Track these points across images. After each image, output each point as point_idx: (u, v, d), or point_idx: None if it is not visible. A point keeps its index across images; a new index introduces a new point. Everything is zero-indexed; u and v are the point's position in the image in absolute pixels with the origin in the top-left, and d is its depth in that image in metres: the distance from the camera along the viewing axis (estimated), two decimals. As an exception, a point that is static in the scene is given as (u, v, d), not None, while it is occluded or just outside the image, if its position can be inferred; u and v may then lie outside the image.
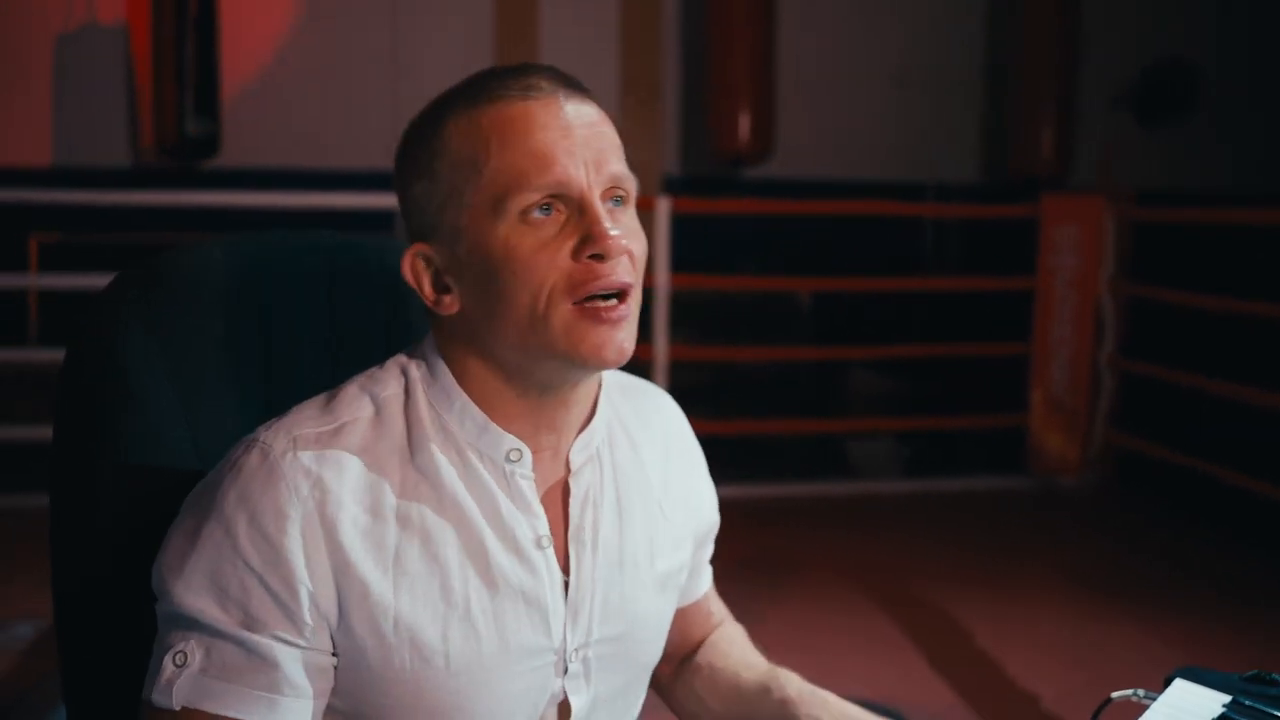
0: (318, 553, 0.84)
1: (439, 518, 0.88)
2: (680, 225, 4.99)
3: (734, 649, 1.11)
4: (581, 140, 0.86)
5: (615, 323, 0.86)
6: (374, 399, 0.90)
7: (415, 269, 0.90)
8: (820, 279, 5.01)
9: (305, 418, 0.88)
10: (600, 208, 0.86)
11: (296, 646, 0.83)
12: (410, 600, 0.86)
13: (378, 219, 4.80)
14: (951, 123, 5.89)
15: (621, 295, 0.87)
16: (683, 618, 1.10)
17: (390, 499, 0.87)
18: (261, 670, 0.82)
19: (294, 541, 0.83)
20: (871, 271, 5.02)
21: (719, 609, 1.15)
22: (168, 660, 0.82)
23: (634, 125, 5.62)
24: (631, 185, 0.89)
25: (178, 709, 0.81)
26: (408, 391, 0.91)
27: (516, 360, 0.88)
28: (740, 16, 5.19)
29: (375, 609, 0.85)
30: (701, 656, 1.11)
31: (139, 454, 0.95)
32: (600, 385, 0.97)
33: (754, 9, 5.20)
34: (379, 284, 1.08)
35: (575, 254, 0.85)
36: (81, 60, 5.22)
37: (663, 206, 4.17)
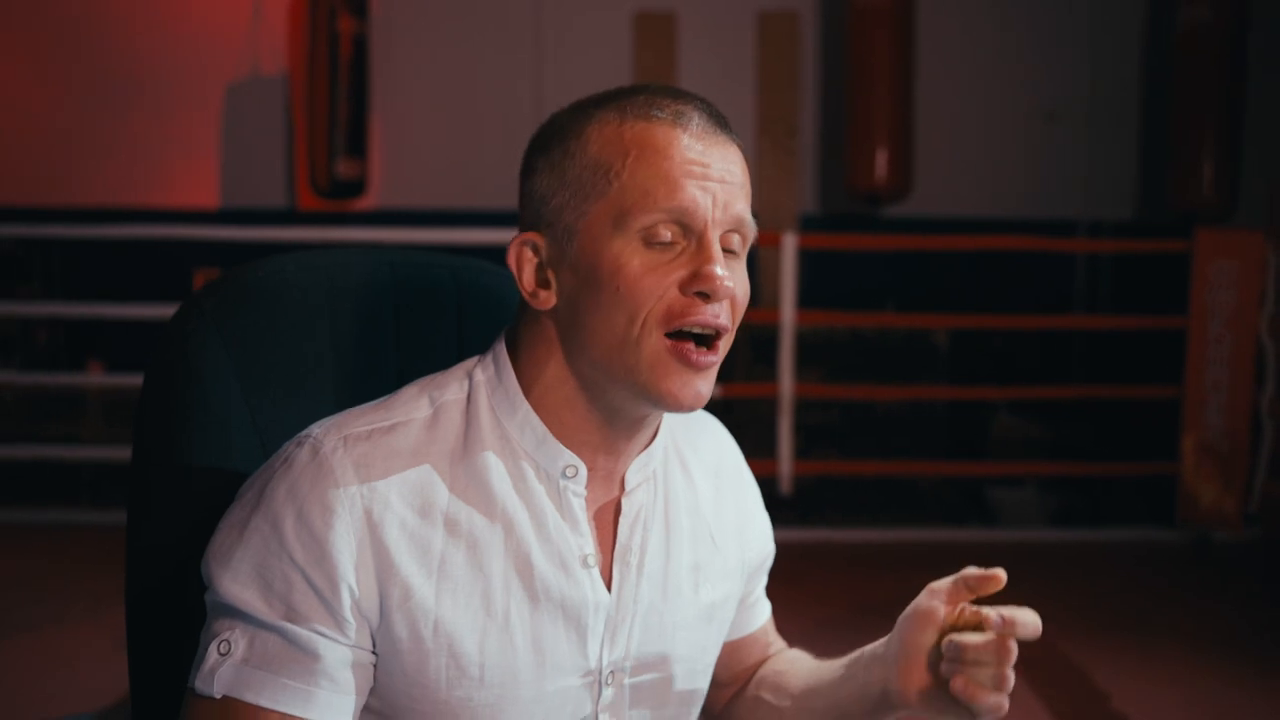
0: (363, 551, 0.84)
1: (487, 522, 0.87)
2: (817, 262, 4.94)
3: (792, 665, 1.07)
4: (716, 176, 0.86)
5: (701, 369, 0.86)
6: (433, 400, 0.91)
7: (520, 257, 0.90)
8: (957, 316, 4.87)
9: (359, 416, 0.89)
10: (717, 247, 0.86)
11: (337, 642, 0.84)
12: (452, 606, 0.86)
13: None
14: (1106, 158, 5.66)
15: (714, 340, 0.86)
16: (738, 649, 1.07)
17: (439, 501, 0.87)
18: (300, 661, 0.83)
19: (339, 538, 0.83)
20: (1018, 311, 4.86)
21: (777, 641, 1.12)
22: (213, 649, 0.84)
23: (770, 163, 5.61)
24: (750, 232, 0.89)
25: (218, 697, 0.82)
26: (470, 395, 0.91)
27: (595, 375, 0.88)
28: (879, 52, 5.13)
29: (416, 612, 0.85)
30: (754, 684, 1.07)
31: (209, 460, 0.98)
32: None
33: (893, 44, 5.14)
34: (450, 302, 1.10)
35: (683, 286, 0.85)
36: (246, 109, 5.55)
37: (789, 243, 4.14)
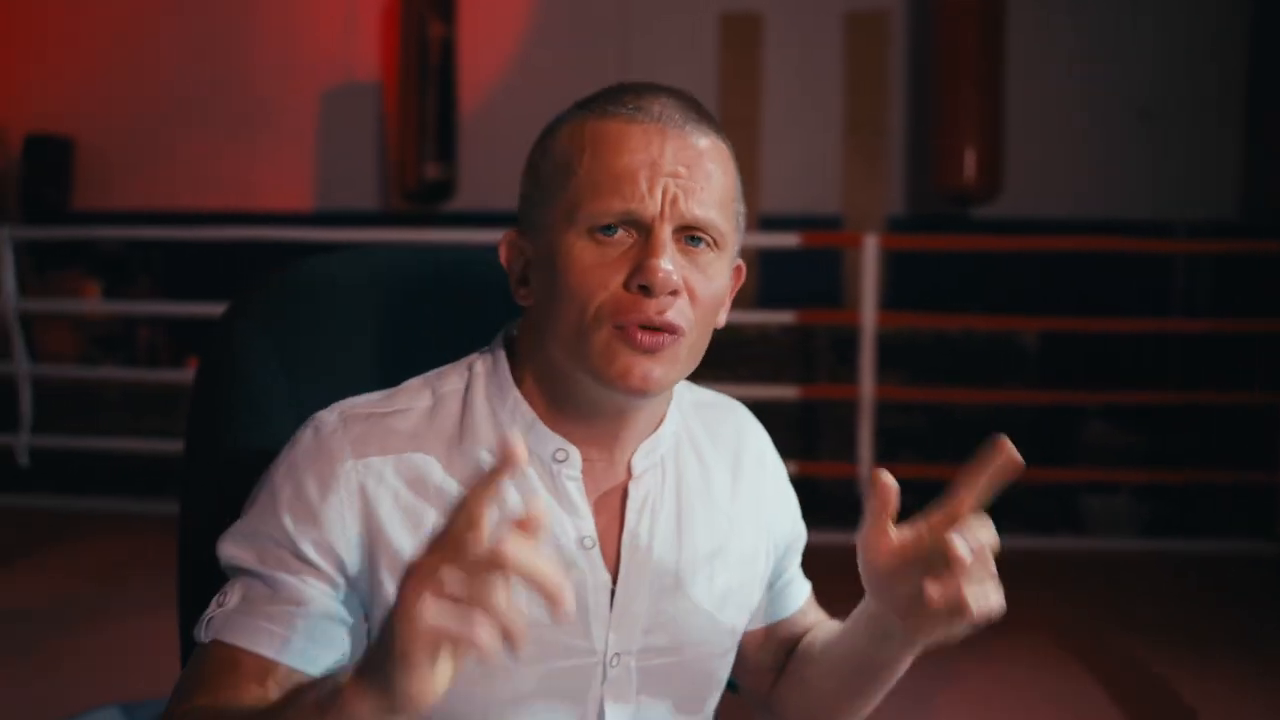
0: (354, 524, 0.87)
1: None
2: (905, 264, 4.86)
3: (818, 633, 1.06)
4: (668, 172, 0.86)
5: (650, 351, 0.86)
6: (434, 392, 0.94)
7: (509, 255, 0.95)
8: (1047, 319, 4.74)
9: (363, 400, 0.93)
10: (665, 241, 0.85)
11: (323, 593, 0.86)
12: None
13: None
14: (1206, 155, 5.47)
15: (668, 331, 0.86)
16: (777, 633, 1.07)
17: (434, 480, 0.89)
18: (282, 604, 0.85)
19: (332, 510, 0.87)
20: (1112, 313, 4.72)
21: (820, 618, 1.11)
22: (213, 603, 0.88)
23: (857, 164, 5.55)
24: (719, 234, 0.88)
25: (207, 642, 0.86)
26: (469, 385, 0.94)
27: (564, 365, 0.90)
28: (968, 50, 5.04)
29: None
30: (791, 661, 1.07)
31: (256, 449, 1.01)
32: (670, 400, 0.97)
33: (982, 42, 5.04)
34: (494, 297, 1.11)
35: (626, 281, 0.86)
36: (340, 115, 5.69)
37: (870, 245, 4.09)
